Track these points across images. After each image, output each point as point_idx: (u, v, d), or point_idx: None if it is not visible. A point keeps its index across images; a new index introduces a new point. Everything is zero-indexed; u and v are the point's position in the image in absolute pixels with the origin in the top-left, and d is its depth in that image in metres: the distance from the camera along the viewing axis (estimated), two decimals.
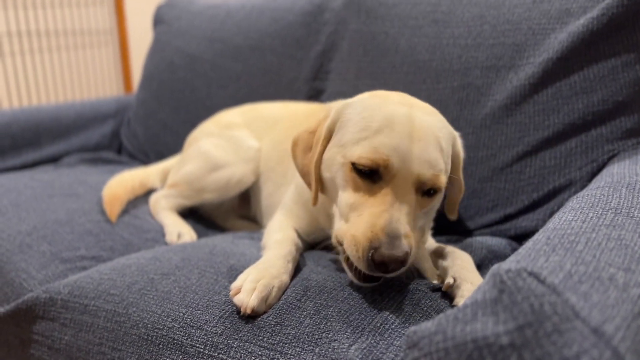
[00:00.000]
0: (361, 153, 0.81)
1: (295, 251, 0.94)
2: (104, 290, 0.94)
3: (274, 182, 1.30)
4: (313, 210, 1.03)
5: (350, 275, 0.83)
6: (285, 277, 0.86)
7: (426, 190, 0.83)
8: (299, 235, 1.03)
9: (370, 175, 0.82)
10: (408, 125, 0.81)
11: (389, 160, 0.79)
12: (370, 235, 0.76)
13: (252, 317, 0.80)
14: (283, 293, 0.84)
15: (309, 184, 0.94)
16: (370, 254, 0.76)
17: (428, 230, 1.06)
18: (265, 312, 0.81)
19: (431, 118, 0.85)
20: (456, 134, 0.92)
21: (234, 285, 0.82)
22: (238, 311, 0.81)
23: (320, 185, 0.93)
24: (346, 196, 0.84)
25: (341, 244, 0.83)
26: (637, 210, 0.73)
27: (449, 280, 0.84)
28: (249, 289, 0.80)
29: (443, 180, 0.83)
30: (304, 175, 0.95)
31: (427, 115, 0.85)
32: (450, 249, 0.97)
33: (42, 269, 1.09)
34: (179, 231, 1.25)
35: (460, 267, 0.88)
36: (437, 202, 0.88)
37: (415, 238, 0.81)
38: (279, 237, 0.97)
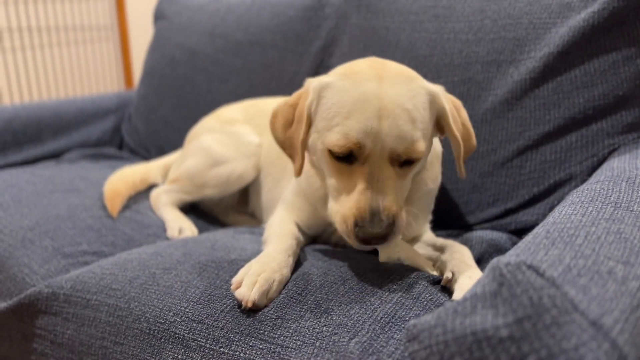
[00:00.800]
0: (333, 140, 0.84)
1: (295, 245, 0.95)
2: (105, 284, 0.94)
3: (273, 176, 1.31)
4: (313, 200, 1.04)
5: (350, 242, 0.86)
6: (286, 271, 0.87)
7: (404, 161, 0.86)
8: (300, 229, 1.04)
9: (347, 158, 0.85)
10: (376, 104, 0.83)
11: (359, 144, 0.82)
12: (354, 213, 0.82)
13: (253, 310, 0.81)
14: (284, 287, 0.85)
15: (290, 156, 0.97)
16: (356, 231, 0.82)
17: (425, 223, 1.07)
18: (266, 306, 0.81)
19: (400, 89, 0.85)
20: (436, 91, 0.90)
21: (235, 279, 0.83)
22: (239, 305, 0.82)
23: (310, 162, 0.97)
24: (332, 180, 0.88)
25: None
26: (637, 204, 0.73)
27: (448, 274, 0.86)
28: (250, 282, 0.81)
29: (418, 148, 0.84)
30: (285, 147, 0.98)
31: (397, 86, 0.85)
32: (449, 242, 0.97)
33: (44, 264, 1.10)
34: (180, 226, 1.25)
35: (459, 260, 0.89)
36: (417, 166, 0.90)
37: (399, 205, 0.84)
38: (280, 231, 0.98)
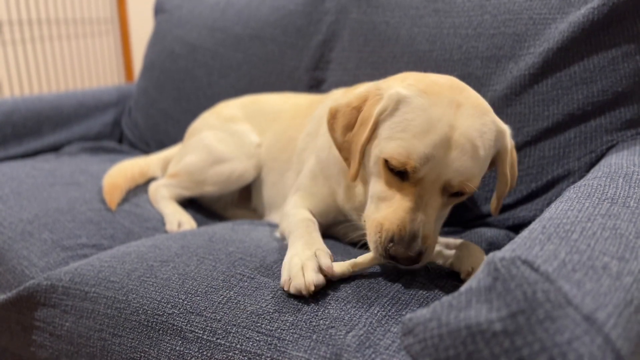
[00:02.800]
0: (394, 153, 0.83)
1: (312, 224, 0.97)
2: (104, 277, 0.95)
3: (277, 171, 1.31)
4: (332, 183, 1.05)
5: (373, 251, 0.85)
6: (321, 244, 0.87)
7: (454, 192, 0.85)
8: (314, 217, 1.05)
9: (400, 174, 0.84)
10: (447, 133, 0.81)
11: (417, 167, 0.81)
12: (394, 229, 0.81)
13: (316, 294, 0.80)
14: (331, 257, 0.85)
15: (346, 159, 0.95)
16: (388, 245, 0.81)
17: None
18: (330, 282, 0.81)
19: (475, 122, 0.84)
20: (505, 130, 0.89)
21: (283, 280, 0.82)
22: (297, 296, 0.81)
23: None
24: (378, 186, 0.87)
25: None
26: (633, 200, 0.73)
27: (467, 268, 0.88)
28: (297, 271, 0.80)
29: (472, 185, 0.84)
30: (342, 150, 0.96)
31: (472, 118, 0.83)
32: (461, 241, 0.97)
33: (43, 256, 1.10)
34: (179, 220, 1.26)
35: (477, 257, 0.90)
36: (464, 198, 0.90)
37: (434, 238, 0.84)
38: (296, 220, 0.98)
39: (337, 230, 1.09)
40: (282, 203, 1.26)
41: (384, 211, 0.84)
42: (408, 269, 0.85)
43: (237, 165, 1.33)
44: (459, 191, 0.85)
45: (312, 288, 0.78)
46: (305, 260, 0.82)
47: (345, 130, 0.94)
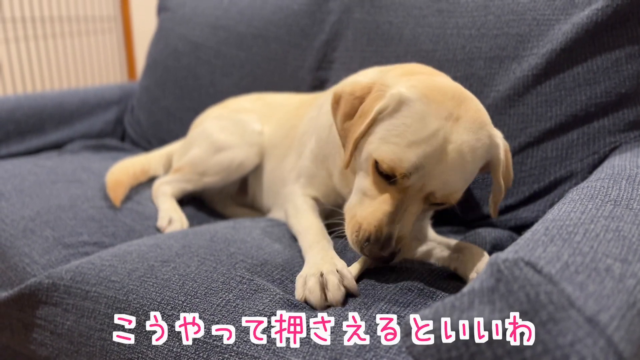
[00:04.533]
0: (385, 158, 0.83)
1: (321, 230, 0.98)
2: (105, 276, 0.95)
3: (277, 157, 1.31)
4: (329, 165, 1.06)
5: (352, 245, 0.87)
6: (335, 257, 0.87)
7: (436, 202, 0.86)
8: (320, 203, 1.07)
9: (388, 177, 0.84)
10: (441, 145, 0.81)
11: (407, 176, 0.82)
12: (370, 230, 0.83)
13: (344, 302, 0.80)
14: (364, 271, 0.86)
15: (344, 146, 0.95)
16: (364, 245, 0.83)
17: (427, 226, 1.06)
18: (355, 296, 0.81)
19: (470, 138, 0.83)
20: (499, 143, 0.89)
21: (298, 294, 0.82)
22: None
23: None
24: (365, 182, 0.88)
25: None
26: (637, 202, 0.73)
27: (473, 274, 0.87)
28: (316, 292, 0.80)
29: (455, 197, 0.85)
30: (341, 137, 0.96)
31: (467, 133, 0.83)
32: (464, 244, 0.97)
33: (45, 254, 1.10)
34: (171, 217, 1.25)
35: (482, 262, 0.89)
36: (442, 208, 0.92)
37: (408, 234, 0.86)
38: (308, 228, 0.99)
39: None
40: (279, 190, 1.27)
41: (364, 210, 0.86)
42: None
43: (238, 153, 1.33)
44: (441, 202, 0.86)
45: (340, 305, 0.79)
46: (327, 274, 0.81)
47: (345, 118, 0.94)
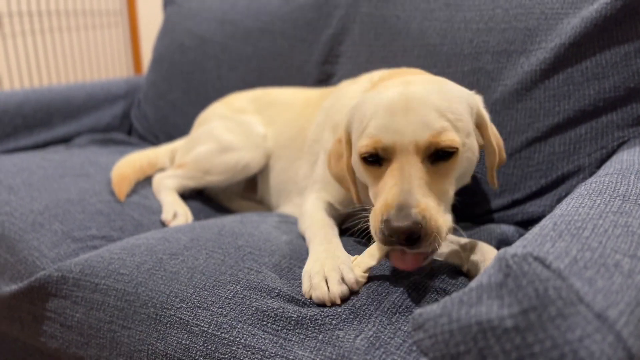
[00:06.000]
0: (361, 147, 0.84)
1: (332, 229, 0.98)
2: (114, 269, 0.96)
3: (287, 158, 1.31)
4: None
5: (379, 243, 0.82)
6: (342, 253, 0.87)
7: (437, 155, 0.81)
8: (333, 207, 1.07)
9: (377, 161, 0.84)
10: (398, 102, 0.82)
11: (379, 140, 0.82)
12: (382, 209, 0.77)
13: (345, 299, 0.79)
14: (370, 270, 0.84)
15: (347, 188, 0.98)
16: (382, 226, 0.76)
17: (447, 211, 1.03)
18: (357, 292, 0.80)
19: (430, 88, 0.84)
20: (472, 94, 0.89)
21: (304, 290, 0.82)
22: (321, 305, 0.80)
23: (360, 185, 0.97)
24: (370, 184, 0.88)
25: None
26: None
27: None
28: (318, 282, 0.80)
29: (446, 137, 0.80)
30: (340, 181, 1.00)
31: (423, 85, 0.85)
32: (476, 242, 0.94)
33: (54, 247, 1.11)
34: (175, 211, 1.25)
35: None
36: (457, 164, 0.83)
37: (433, 207, 0.77)
38: (315, 224, 1.00)
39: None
40: (291, 189, 1.28)
41: (378, 202, 0.82)
42: (426, 250, 0.78)
43: (244, 155, 1.34)
44: (438, 150, 0.81)
45: (339, 301, 0.78)
46: (328, 270, 0.81)
47: (337, 162, 0.98)
